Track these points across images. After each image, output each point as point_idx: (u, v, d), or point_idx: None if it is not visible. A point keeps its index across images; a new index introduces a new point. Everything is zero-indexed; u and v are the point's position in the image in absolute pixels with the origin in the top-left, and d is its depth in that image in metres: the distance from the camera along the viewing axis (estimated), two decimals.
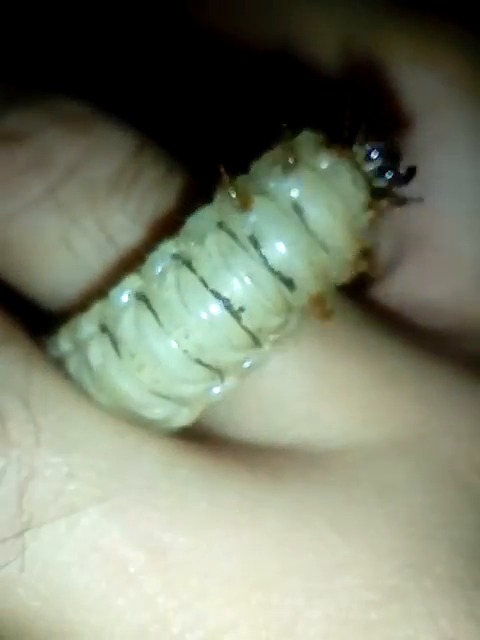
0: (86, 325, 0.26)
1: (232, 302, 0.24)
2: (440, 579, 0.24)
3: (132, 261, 0.27)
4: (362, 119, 0.24)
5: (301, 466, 0.26)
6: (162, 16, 0.39)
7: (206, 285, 0.24)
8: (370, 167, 0.24)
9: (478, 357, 0.31)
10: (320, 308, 0.25)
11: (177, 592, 0.23)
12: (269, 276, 0.24)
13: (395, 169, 0.25)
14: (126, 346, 0.25)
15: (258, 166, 0.25)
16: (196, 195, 0.28)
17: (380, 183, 0.24)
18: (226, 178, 0.24)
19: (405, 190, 0.25)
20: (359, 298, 0.34)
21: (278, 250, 0.24)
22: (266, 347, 0.25)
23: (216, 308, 0.24)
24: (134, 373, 0.25)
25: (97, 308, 0.26)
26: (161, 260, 0.25)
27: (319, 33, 0.35)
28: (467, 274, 0.34)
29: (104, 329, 0.26)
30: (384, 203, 0.25)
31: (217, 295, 0.24)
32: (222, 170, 0.24)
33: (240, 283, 0.24)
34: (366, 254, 0.25)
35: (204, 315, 0.24)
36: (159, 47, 0.40)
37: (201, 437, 0.27)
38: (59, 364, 0.26)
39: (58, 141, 0.29)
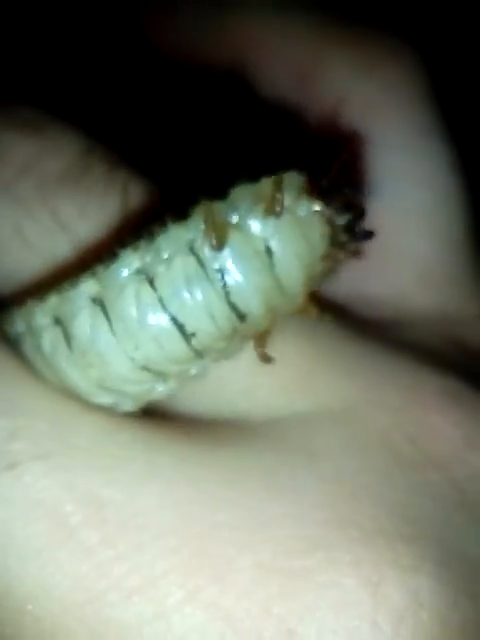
0: (41, 316, 0.27)
1: (186, 327, 0.25)
2: (366, 531, 0.25)
3: (83, 251, 0.29)
4: (339, 170, 0.25)
5: (238, 434, 0.28)
6: (121, 34, 0.42)
7: (164, 307, 0.25)
8: (339, 222, 0.26)
9: (416, 344, 0.33)
10: (261, 345, 0.26)
11: (114, 544, 0.24)
12: (226, 309, 0.25)
13: (359, 229, 0.26)
14: (78, 344, 0.26)
15: (240, 197, 0.25)
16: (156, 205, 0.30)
17: (342, 238, 0.26)
18: (206, 204, 0.25)
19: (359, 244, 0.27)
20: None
21: (242, 288, 0.25)
22: (208, 360, 0.27)
23: (170, 330, 0.25)
24: (84, 368, 0.26)
25: (53, 302, 0.27)
26: (123, 271, 0.26)
27: (267, 50, 0.38)
28: (408, 270, 0.36)
29: (58, 322, 0.27)
30: (341, 256, 0.26)
31: (173, 318, 0.25)
32: (202, 196, 0.25)
33: (197, 311, 0.25)
34: (313, 298, 0.26)
35: (157, 334, 0.25)
36: (119, 66, 0.43)
37: (149, 411, 0.28)
38: (9, 340, 0.28)
39: (14, 142, 0.31)
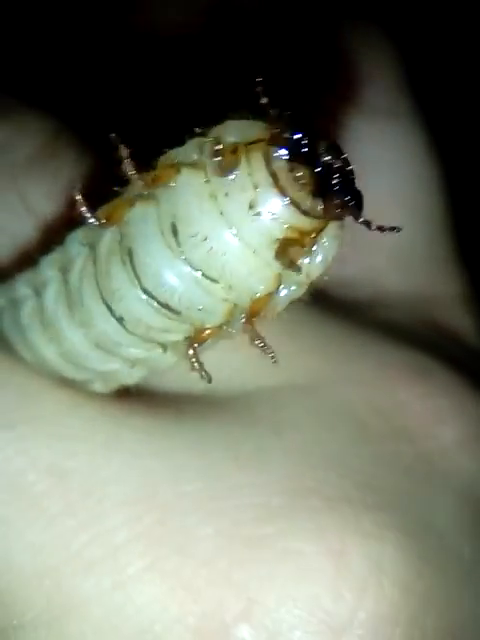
0: (23, 286, 0.28)
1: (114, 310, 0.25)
2: (329, 499, 0.25)
3: (49, 232, 0.30)
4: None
5: (205, 407, 0.28)
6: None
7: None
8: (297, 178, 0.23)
9: (390, 325, 0.33)
10: (250, 325, 0.25)
11: (77, 512, 0.24)
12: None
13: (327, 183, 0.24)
14: (46, 316, 0.26)
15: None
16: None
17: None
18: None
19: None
20: None
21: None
22: (171, 351, 0.26)
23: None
24: (46, 343, 0.27)
25: (31, 273, 0.27)
26: (74, 244, 0.26)
27: None
28: (383, 252, 0.36)
29: (37, 292, 0.27)
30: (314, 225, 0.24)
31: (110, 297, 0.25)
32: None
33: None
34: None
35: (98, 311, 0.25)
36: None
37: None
38: None
39: None
